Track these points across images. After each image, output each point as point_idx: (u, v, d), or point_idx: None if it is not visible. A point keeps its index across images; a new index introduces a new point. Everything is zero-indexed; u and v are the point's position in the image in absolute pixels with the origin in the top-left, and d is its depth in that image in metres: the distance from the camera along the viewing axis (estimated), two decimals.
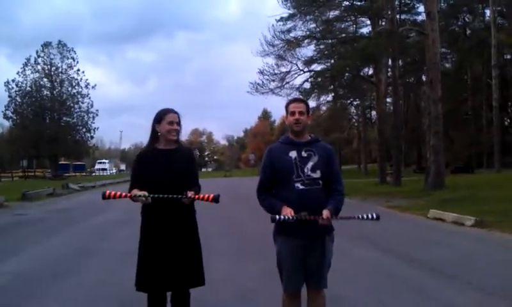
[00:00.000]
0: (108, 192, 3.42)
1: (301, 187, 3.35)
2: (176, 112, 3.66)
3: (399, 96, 32.85)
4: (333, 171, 3.49)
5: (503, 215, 11.05)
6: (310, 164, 3.40)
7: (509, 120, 45.35)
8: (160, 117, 3.61)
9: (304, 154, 3.42)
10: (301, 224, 3.26)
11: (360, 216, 3.34)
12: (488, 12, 39.62)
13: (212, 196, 3.42)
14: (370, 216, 3.30)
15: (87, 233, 11.12)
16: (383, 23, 28.51)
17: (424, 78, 33.65)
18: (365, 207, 15.71)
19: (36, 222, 13.72)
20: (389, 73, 32.34)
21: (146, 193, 3.34)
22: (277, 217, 3.23)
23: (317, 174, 3.38)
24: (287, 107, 3.56)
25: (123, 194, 3.44)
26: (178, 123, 3.64)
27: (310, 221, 3.22)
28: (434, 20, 21.10)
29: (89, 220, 13.58)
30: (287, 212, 3.22)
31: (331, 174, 3.46)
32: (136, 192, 3.39)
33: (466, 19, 44.06)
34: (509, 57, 41.84)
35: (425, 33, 21.62)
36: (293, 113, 3.47)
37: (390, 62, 30.33)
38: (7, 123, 58.99)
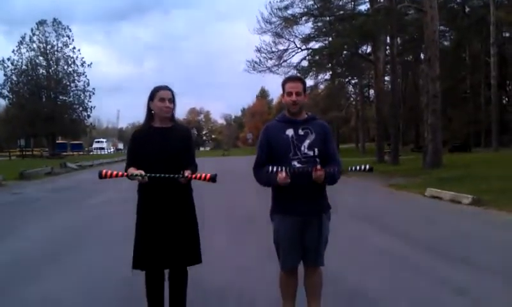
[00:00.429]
0: (105, 171, 3.39)
1: (298, 164, 3.33)
2: (169, 89, 3.59)
3: (397, 74, 32.69)
4: (329, 148, 3.47)
5: (500, 193, 11.08)
6: (306, 142, 3.39)
7: (507, 99, 45.26)
8: (152, 94, 3.56)
9: (301, 132, 3.41)
10: (297, 201, 3.32)
11: (355, 168, 3.33)
12: None
13: (209, 175, 3.40)
14: (363, 167, 3.29)
15: (85, 212, 11.13)
16: (381, 0, 28.26)
17: (422, 56, 33.46)
18: (362, 185, 15.75)
19: (33, 201, 13.74)
20: (387, 51, 32.13)
21: (142, 172, 3.31)
22: (270, 168, 3.24)
23: (314, 152, 3.37)
24: (283, 85, 3.50)
25: (120, 173, 3.41)
26: (172, 101, 3.56)
27: (304, 173, 3.23)
28: None
29: (87, 200, 13.59)
30: (283, 175, 3.21)
31: (327, 152, 3.44)
32: (132, 171, 3.37)
33: None
34: (507, 35, 41.59)
35: (424, 10, 21.44)
36: (290, 94, 3.42)
37: (388, 40, 30.11)
38: (3, 102, 58.89)
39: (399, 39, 34.36)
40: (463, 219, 9.12)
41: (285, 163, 3.31)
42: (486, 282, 4.87)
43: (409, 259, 5.92)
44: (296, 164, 3.33)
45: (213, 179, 3.41)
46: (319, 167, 3.21)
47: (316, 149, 3.38)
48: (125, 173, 3.40)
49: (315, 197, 3.42)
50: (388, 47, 31.10)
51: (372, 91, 48.91)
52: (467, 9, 43.65)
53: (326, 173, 3.24)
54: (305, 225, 3.41)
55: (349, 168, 3.37)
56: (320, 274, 3.57)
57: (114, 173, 3.40)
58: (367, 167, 3.30)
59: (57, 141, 60.02)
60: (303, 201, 3.35)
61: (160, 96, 3.52)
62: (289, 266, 3.50)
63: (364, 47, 34.64)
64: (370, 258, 6.04)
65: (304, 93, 3.49)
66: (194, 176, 3.37)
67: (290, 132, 3.41)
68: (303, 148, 3.37)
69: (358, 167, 3.32)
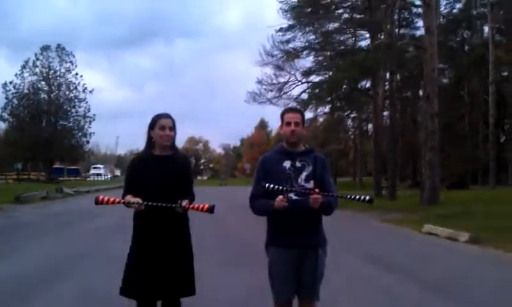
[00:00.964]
0: (101, 197, 3.37)
1: (295, 197, 3.29)
2: (169, 117, 3.58)
3: (396, 109, 32.85)
4: (325, 181, 3.43)
5: (497, 231, 11.02)
6: (303, 174, 3.38)
7: (504, 137, 45.40)
8: (153, 122, 3.55)
9: (298, 164, 3.39)
10: (293, 233, 3.30)
11: (353, 196, 3.34)
12: (486, 29, 39.79)
13: (207, 205, 3.35)
14: (363, 198, 3.29)
15: (79, 238, 11.07)
16: (382, 36, 28.62)
17: (421, 92, 33.76)
18: (359, 220, 15.69)
19: (28, 225, 13.65)
20: (386, 87, 32.40)
21: (140, 200, 3.28)
22: (267, 185, 3.22)
23: (311, 185, 3.34)
24: (282, 116, 3.52)
25: (117, 199, 3.39)
26: (172, 129, 3.56)
27: (301, 196, 3.23)
28: (433, 35, 21.18)
29: (82, 225, 13.52)
30: (280, 199, 3.19)
31: (324, 185, 3.38)
32: (129, 198, 3.34)
33: (465, 35, 44.25)
34: (506, 74, 41.97)
35: (424, 48, 21.69)
36: (289, 124, 3.43)
37: (387, 75, 30.40)
38: (3, 125, 58.93)
39: (398, 75, 34.69)
40: (459, 256, 9.06)
41: (282, 194, 3.26)
42: None
43: (405, 296, 5.86)
44: (292, 196, 3.29)
45: (211, 210, 3.36)
46: (317, 190, 3.19)
47: (312, 182, 3.35)
48: (122, 200, 3.37)
49: (312, 229, 3.39)
50: (387, 83, 31.37)
51: (370, 126, 48.99)
52: (466, 48, 44.20)
53: (324, 198, 3.20)
54: (301, 258, 3.36)
55: (348, 196, 3.37)
56: None
57: (111, 199, 3.38)
58: (367, 198, 3.30)
59: (54, 166, 59.90)
60: (299, 234, 3.32)
61: (161, 125, 3.51)
62: (283, 300, 3.43)
63: (364, 82, 34.89)
64: (365, 293, 5.97)
65: (303, 124, 3.49)
66: (191, 206, 3.34)
67: (287, 164, 3.39)
68: (299, 180, 3.35)
69: (357, 197, 3.31)
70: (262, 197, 3.38)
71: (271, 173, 3.41)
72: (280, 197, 3.20)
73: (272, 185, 3.22)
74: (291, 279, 3.40)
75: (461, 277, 7.03)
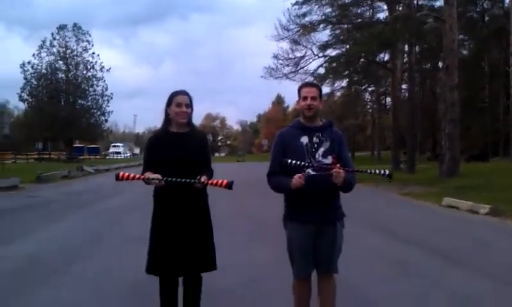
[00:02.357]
0: (122, 173, 3.40)
1: (312, 172, 3.27)
2: (186, 94, 3.57)
3: (414, 82, 32.48)
4: (343, 157, 3.39)
5: None
6: (321, 150, 3.35)
7: None
8: (170, 100, 3.54)
9: (315, 139, 3.36)
10: (311, 208, 3.30)
11: (373, 171, 3.39)
12: None
13: (226, 181, 3.36)
14: (382, 172, 3.34)
15: (100, 216, 11.21)
16: (400, 8, 28.11)
17: (440, 64, 33.24)
18: (377, 194, 15.65)
19: (49, 204, 13.86)
20: (405, 59, 31.95)
21: (159, 176, 3.30)
22: (287, 161, 3.23)
23: (328, 160, 3.31)
24: (299, 90, 3.48)
25: (137, 176, 3.40)
26: (189, 106, 3.54)
27: (322, 172, 3.22)
28: (453, 5, 20.77)
29: (102, 203, 13.69)
30: (297, 178, 3.18)
31: (341, 161, 3.34)
32: (149, 174, 3.36)
33: (485, 5, 43.26)
34: None
35: (443, 19, 21.31)
36: (305, 98, 3.39)
37: (406, 48, 29.95)
38: (22, 105, 59.63)
39: (417, 47, 34.17)
40: (480, 229, 9.01)
41: (300, 170, 3.25)
42: (502, 293, 4.79)
43: (425, 269, 5.84)
44: (310, 171, 3.27)
45: (229, 186, 3.37)
46: (338, 165, 3.19)
47: (330, 157, 3.32)
48: (142, 176, 3.39)
49: (329, 204, 3.39)
50: (406, 55, 30.93)
51: (388, 99, 48.57)
52: (486, 18, 43.26)
53: (345, 174, 3.19)
54: (318, 233, 3.38)
55: (367, 171, 3.42)
56: (333, 283, 3.51)
57: (132, 175, 3.40)
58: (386, 172, 3.35)
59: (74, 145, 60.58)
60: (316, 209, 3.32)
61: (177, 101, 3.51)
62: (302, 273, 3.45)
63: (382, 55, 34.44)
64: (385, 267, 5.97)
65: (320, 98, 3.46)
66: (210, 182, 3.35)
67: (304, 140, 3.37)
68: (317, 156, 3.33)
69: (376, 171, 3.36)
70: (280, 174, 3.36)
71: (289, 148, 3.38)
72: (298, 175, 3.20)
73: (290, 161, 3.21)
74: (309, 254, 3.41)
75: (480, 249, 7.00)
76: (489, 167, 25.21)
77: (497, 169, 23.37)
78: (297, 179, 3.19)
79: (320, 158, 3.33)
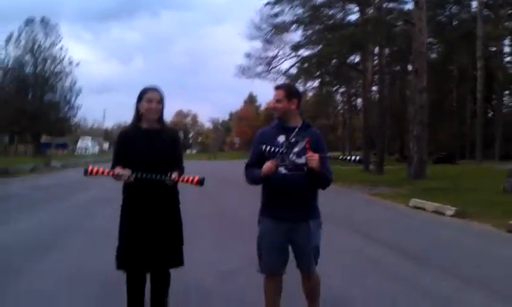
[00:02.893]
0: (90, 168, 3.37)
1: (284, 171, 3.35)
2: (157, 90, 3.55)
3: (384, 84, 32.91)
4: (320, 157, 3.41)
5: (483, 206, 11.18)
6: (296, 149, 3.39)
7: (492, 112, 45.74)
8: (141, 95, 3.52)
9: (292, 139, 3.40)
10: (284, 205, 3.37)
11: (344, 157, 3.75)
12: (474, 3, 39.75)
13: (196, 178, 3.37)
14: (353, 158, 3.64)
15: (68, 211, 11.04)
16: (371, 11, 28.46)
17: (410, 67, 33.75)
18: (348, 194, 15.83)
19: (16, 197, 13.58)
20: (375, 61, 32.35)
21: (129, 172, 3.29)
22: (263, 146, 3.36)
23: (302, 160, 3.35)
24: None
25: (106, 170, 3.38)
26: (160, 102, 3.52)
27: (294, 167, 3.34)
28: (422, 9, 21.12)
29: (70, 198, 13.49)
30: (268, 165, 3.29)
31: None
32: (119, 170, 3.33)
33: (453, 10, 44.11)
34: (494, 49, 42.06)
35: (413, 22, 21.66)
36: (274, 100, 3.53)
37: (376, 50, 30.32)
38: None
39: (387, 49, 34.62)
40: (445, 230, 9.19)
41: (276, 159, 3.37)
42: (468, 292, 4.90)
43: (392, 267, 5.94)
44: (283, 170, 3.35)
45: (201, 182, 3.38)
46: (311, 153, 3.27)
47: (304, 157, 3.34)
48: (111, 171, 3.37)
49: (302, 203, 3.43)
50: (376, 57, 31.32)
51: (359, 100, 49.17)
52: (455, 23, 44.13)
53: (321, 167, 3.28)
54: (292, 231, 3.43)
55: (340, 157, 3.69)
56: (315, 279, 3.61)
57: (100, 170, 3.37)
58: (357, 158, 3.64)
59: (41, 140, 59.39)
60: (289, 206, 3.37)
61: (148, 98, 3.48)
62: (268, 269, 3.51)
63: (353, 57, 34.83)
64: (353, 266, 6.05)
65: (289, 99, 3.48)
66: (181, 178, 3.35)
67: (281, 139, 3.43)
68: (291, 156, 3.38)
69: (348, 158, 3.63)
70: (256, 167, 3.44)
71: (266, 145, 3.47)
72: (269, 161, 3.29)
73: (266, 147, 3.33)
74: (279, 251, 3.46)
75: (446, 250, 7.15)
76: (456, 170, 25.75)
77: (464, 171, 23.90)
78: (268, 164, 3.28)
79: (294, 157, 3.38)
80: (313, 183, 3.41)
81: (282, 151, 3.33)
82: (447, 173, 22.81)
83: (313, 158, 3.25)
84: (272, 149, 3.32)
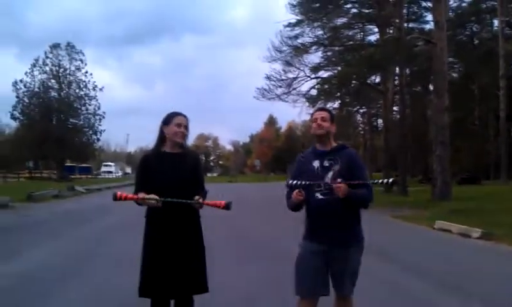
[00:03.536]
0: (119, 193, 3.39)
1: (320, 196, 3.38)
2: (185, 116, 3.64)
3: (405, 104, 32.72)
4: (356, 175, 3.39)
5: (510, 227, 10.95)
6: (330, 174, 3.40)
7: None
8: (168, 119, 3.58)
9: (326, 163, 3.44)
10: (321, 231, 3.38)
11: (376, 181, 3.55)
12: (495, 22, 39.46)
13: (224, 202, 3.40)
14: (385, 181, 3.49)
15: (91, 236, 11.12)
16: (391, 31, 28.45)
17: (431, 87, 33.51)
18: (369, 216, 15.61)
19: (40, 223, 13.72)
20: (396, 82, 32.21)
21: (157, 197, 3.30)
22: (290, 181, 3.38)
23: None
24: (312, 116, 3.65)
25: (135, 196, 3.40)
26: (186, 127, 3.60)
27: (325, 188, 3.32)
28: (442, 29, 21.06)
29: (93, 223, 13.59)
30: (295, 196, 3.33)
31: (354, 178, 3.36)
32: (143, 195, 3.35)
33: (474, 29, 43.87)
34: None
35: (433, 42, 21.57)
36: (315, 119, 3.52)
37: (397, 70, 30.21)
38: (14, 124, 59.33)
39: (408, 70, 34.49)
40: (473, 252, 9.01)
41: (310, 194, 3.40)
42: None
43: (417, 292, 5.83)
44: (319, 195, 3.38)
45: (228, 207, 3.40)
46: (339, 180, 3.24)
47: (340, 180, 3.30)
48: (140, 196, 3.39)
49: (341, 227, 3.40)
50: (397, 78, 31.19)
51: (380, 121, 48.93)
52: (476, 42, 43.85)
53: (350, 190, 3.24)
54: (330, 255, 3.40)
55: (371, 181, 3.51)
56: (349, 303, 3.54)
57: (130, 196, 3.39)
58: (390, 180, 3.49)
59: (65, 164, 60.21)
60: (327, 231, 3.38)
61: (177, 122, 3.55)
62: (303, 292, 3.44)
63: (373, 77, 34.75)
64: (377, 289, 5.93)
65: (331, 122, 3.55)
66: (207, 202, 3.35)
67: (316, 164, 3.47)
68: (326, 179, 3.38)
69: (379, 181, 3.49)
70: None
71: (303, 171, 3.51)
72: (294, 193, 3.32)
73: (295, 182, 3.35)
74: (315, 273, 3.41)
75: (473, 273, 6.99)
76: (481, 191, 25.28)
77: (489, 192, 23.46)
78: (295, 195, 3.32)
79: (329, 182, 3.37)
80: (348, 206, 3.37)
81: (308, 184, 3.34)
82: (472, 194, 22.42)
83: (339, 189, 3.23)
84: (298, 183, 3.35)
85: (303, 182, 3.34)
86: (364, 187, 3.39)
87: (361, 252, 3.52)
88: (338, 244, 3.38)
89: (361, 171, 3.52)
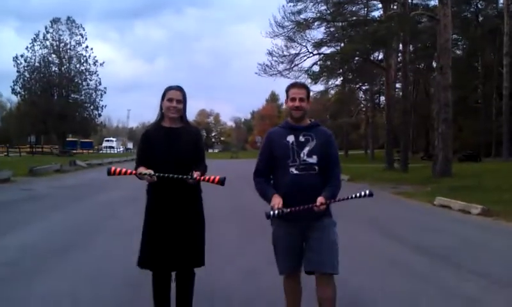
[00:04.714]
0: (113, 168, 3.39)
1: (296, 171, 3.31)
2: (179, 89, 3.57)
3: (408, 81, 32.62)
4: (330, 155, 3.41)
5: (510, 204, 10.98)
6: (306, 149, 3.34)
7: None
8: (164, 94, 3.56)
9: (301, 138, 3.37)
10: (300, 205, 3.19)
11: (354, 195, 3.29)
12: None
13: (218, 177, 3.36)
14: (363, 194, 3.28)
15: (93, 210, 11.20)
16: (395, 7, 28.17)
17: (434, 64, 33.33)
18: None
19: (42, 197, 13.79)
20: (399, 58, 32.01)
21: (152, 171, 3.29)
22: (271, 212, 3.18)
23: (313, 160, 3.33)
24: (287, 91, 3.50)
25: (129, 171, 3.40)
26: (180, 101, 3.54)
27: (305, 211, 3.15)
28: (447, 5, 20.84)
29: (95, 197, 13.65)
30: (276, 202, 3.20)
31: (328, 159, 3.38)
32: (141, 170, 3.35)
33: (479, 5, 43.43)
34: None
35: (437, 18, 21.38)
36: (293, 99, 3.41)
37: (400, 47, 30.00)
38: (15, 99, 59.36)
39: (411, 46, 34.25)
40: (472, 228, 9.05)
41: (284, 169, 3.32)
42: (495, 293, 4.81)
43: (417, 267, 5.87)
44: (294, 170, 3.30)
45: (222, 182, 3.37)
46: (318, 203, 3.16)
47: (315, 157, 3.32)
48: (134, 171, 3.39)
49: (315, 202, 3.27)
50: (400, 54, 30.99)
51: (382, 98, 48.71)
52: (480, 19, 43.45)
53: (326, 199, 3.21)
54: (306, 230, 3.33)
55: (348, 197, 3.27)
56: (331, 287, 3.33)
57: (123, 170, 3.39)
58: (367, 192, 3.29)
59: (67, 139, 60.35)
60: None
61: (169, 96, 3.51)
62: (286, 270, 3.45)
63: (376, 54, 34.52)
64: (377, 265, 5.99)
65: (308, 99, 3.47)
66: (202, 177, 3.34)
67: (291, 139, 3.38)
68: (302, 155, 3.33)
69: (358, 194, 3.28)
70: (265, 176, 3.48)
71: (275, 145, 3.43)
72: (277, 200, 3.22)
73: (276, 212, 3.16)
74: (293, 251, 3.39)
75: (472, 249, 7.03)
76: (481, 168, 25.32)
77: (489, 169, 23.49)
78: (275, 201, 3.22)
79: (305, 157, 3.32)
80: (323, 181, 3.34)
81: (290, 211, 3.15)
82: (472, 170, 22.46)
83: (322, 209, 3.19)
84: (281, 212, 3.14)
85: (285, 210, 3.14)
86: (335, 180, 3.39)
87: (335, 226, 3.41)
88: (314, 218, 3.27)
89: (335, 150, 3.51)
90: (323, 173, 3.34)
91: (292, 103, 3.42)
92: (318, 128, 3.48)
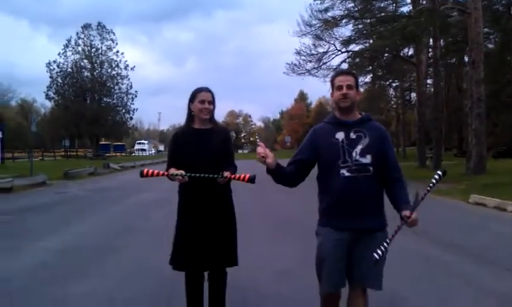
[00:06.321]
0: (146, 170, 3.44)
1: (347, 174, 2.90)
2: (209, 91, 3.61)
3: (439, 77, 32.00)
4: (388, 154, 3.03)
5: None
6: (358, 148, 2.93)
7: None
8: (193, 96, 3.59)
9: (353, 135, 2.95)
10: (347, 215, 2.91)
11: (431, 185, 2.94)
12: None
13: (248, 176, 3.38)
14: (437, 177, 2.91)
15: (127, 212, 11.37)
16: (424, 1, 27.72)
17: (466, 58, 32.66)
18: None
19: (77, 200, 14.07)
20: (430, 54, 31.48)
21: (183, 172, 3.33)
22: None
23: (367, 159, 2.92)
24: (332, 80, 3.10)
25: (161, 172, 3.45)
26: (211, 102, 3.58)
27: (396, 232, 2.87)
28: None
29: (128, 199, 13.86)
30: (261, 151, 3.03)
31: (385, 159, 3.00)
32: (173, 171, 3.40)
33: None
34: None
35: (468, 12, 20.97)
36: (340, 87, 2.99)
37: (431, 42, 29.50)
38: (49, 104, 60.71)
39: (442, 41, 33.63)
40: (508, 226, 8.86)
41: (333, 171, 2.94)
42: None
43: (454, 267, 5.78)
44: (345, 172, 2.90)
45: (252, 180, 3.38)
46: (412, 217, 2.93)
47: (369, 156, 2.93)
48: (166, 173, 3.44)
49: (368, 212, 2.97)
50: (430, 49, 30.48)
51: (413, 95, 47.92)
52: None
53: (411, 211, 2.94)
54: (354, 242, 2.94)
55: (427, 190, 2.97)
56: (366, 298, 3.04)
57: (156, 172, 3.44)
58: (440, 174, 2.92)
59: (100, 142, 61.46)
60: (354, 214, 2.92)
61: (200, 98, 3.54)
62: (332, 288, 2.98)
63: (406, 50, 34.01)
64: (413, 266, 5.91)
65: (357, 88, 3.07)
66: (233, 176, 3.37)
67: (340, 136, 2.96)
68: (354, 154, 2.92)
69: (433, 181, 2.92)
70: (301, 167, 3.08)
71: (322, 145, 3.02)
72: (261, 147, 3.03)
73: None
74: (340, 267, 2.94)
75: (508, 246, 6.89)
76: None
77: None
78: (260, 150, 3.06)
79: (358, 157, 2.92)
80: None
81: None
82: (507, 167, 21.92)
83: (415, 224, 2.95)
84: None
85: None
86: (402, 185, 3.12)
87: (387, 241, 2.90)
88: (366, 229, 2.93)
89: (392, 149, 3.13)
90: (378, 174, 2.96)
91: (338, 92, 3.00)
92: (370, 122, 3.07)
